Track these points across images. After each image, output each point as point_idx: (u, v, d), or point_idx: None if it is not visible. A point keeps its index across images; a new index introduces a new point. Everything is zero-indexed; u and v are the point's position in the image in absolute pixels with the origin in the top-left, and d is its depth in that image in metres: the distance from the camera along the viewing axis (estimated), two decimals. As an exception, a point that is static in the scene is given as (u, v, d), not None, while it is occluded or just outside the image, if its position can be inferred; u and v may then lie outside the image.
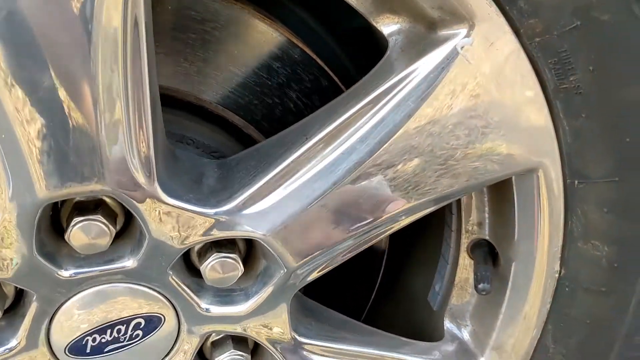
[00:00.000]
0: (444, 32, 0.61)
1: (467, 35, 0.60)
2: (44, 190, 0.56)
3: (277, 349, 0.74)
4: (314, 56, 0.75)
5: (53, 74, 0.51)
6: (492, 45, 0.60)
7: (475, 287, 0.77)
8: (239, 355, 0.74)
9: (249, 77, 0.73)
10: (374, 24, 0.65)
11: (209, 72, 0.70)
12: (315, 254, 0.67)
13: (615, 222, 0.71)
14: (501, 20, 0.59)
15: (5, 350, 0.65)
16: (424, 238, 0.90)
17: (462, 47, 0.60)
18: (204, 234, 0.63)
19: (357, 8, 0.65)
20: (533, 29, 0.60)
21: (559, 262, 0.76)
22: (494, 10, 0.59)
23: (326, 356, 0.78)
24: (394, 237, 0.92)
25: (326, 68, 0.74)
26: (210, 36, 0.70)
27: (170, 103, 0.70)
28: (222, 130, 0.74)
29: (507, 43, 0.60)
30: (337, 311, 0.85)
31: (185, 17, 0.68)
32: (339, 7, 0.67)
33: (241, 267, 0.67)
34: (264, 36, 0.73)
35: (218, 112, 0.73)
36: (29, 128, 0.52)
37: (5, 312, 0.65)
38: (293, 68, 0.73)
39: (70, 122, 0.53)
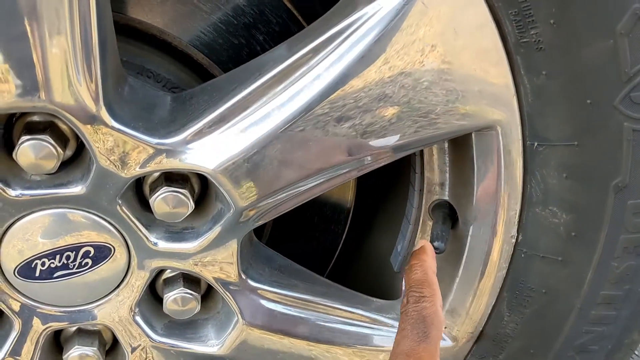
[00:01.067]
0: (402, -27, 0.60)
1: (424, -21, 0.59)
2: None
3: (225, 290, 0.75)
4: (284, -2, 0.74)
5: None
6: (449, -10, 0.59)
7: (431, 244, 0.76)
8: (188, 293, 0.75)
9: (215, 14, 0.73)
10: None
11: (173, 6, 0.70)
12: (265, 194, 0.67)
13: (574, 189, 0.70)
14: (460, -37, 0.58)
15: (-49, 265, 0.66)
16: (389, 197, 0.90)
17: (418, -10, 0.59)
18: (148, 164, 0.63)
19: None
20: (493, -26, 0.58)
21: (516, 227, 0.74)
22: (453, -48, 0.58)
23: (277, 302, 0.78)
24: (360, 194, 0.92)
25: (295, 12, 0.74)
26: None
27: (133, 35, 0.70)
28: (186, 68, 0.74)
29: (465, -11, 0.59)
30: (300, 265, 0.85)
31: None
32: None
33: (191, 204, 0.67)
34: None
35: (182, 48, 0.73)
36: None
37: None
38: (261, 9, 0.73)
39: (12, 30, 0.53)
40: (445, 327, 0.83)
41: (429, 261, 0.71)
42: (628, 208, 0.70)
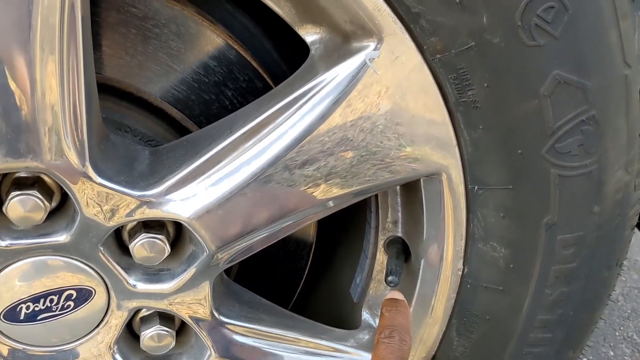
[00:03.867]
0: (356, 44, 0.68)
1: (376, 49, 0.67)
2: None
3: (199, 327, 0.81)
4: (250, 58, 0.82)
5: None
6: (397, 58, 0.68)
7: (385, 279, 0.84)
8: (164, 330, 0.80)
9: (187, 73, 0.80)
10: (299, 32, 0.72)
11: (149, 66, 0.77)
12: (236, 239, 0.74)
13: (511, 226, 0.79)
14: (406, 36, 0.67)
15: (-59, 311, 0.71)
16: (348, 233, 0.97)
17: (370, 59, 0.67)
18: (131, 214, 0.70)
19: (284, 17, 0.72)
20: (434, 46, 0.67)
21: (462, 260, 0.83)
22: (399, 27, 0.66)
23: (247, 336, 0.84)
24: (321, 231, 0.99)
25: (260, 70, 0.81)
26: (151, 33, 0.76)
27: (112, 93, 0.77)
28: (161, 122, 0.81)
29: (411, 57, 0.68)
30: (266, 297, 0.91)
31: (127, 14, 0.74)
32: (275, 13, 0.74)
33: (167, 248, 0.74)
34: (203, 36, 0.80)
35: (157, 104, 0.79)
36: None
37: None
38: (229, 68, 0.80)
39: (8, 101, 0.59)
40: (401, 353, 0.90)
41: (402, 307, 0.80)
42: (558, 242, 0.79)
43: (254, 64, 0.81)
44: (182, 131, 0.82)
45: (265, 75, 0.82)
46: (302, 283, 1.01)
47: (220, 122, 0.73)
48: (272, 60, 0.84)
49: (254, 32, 0.83)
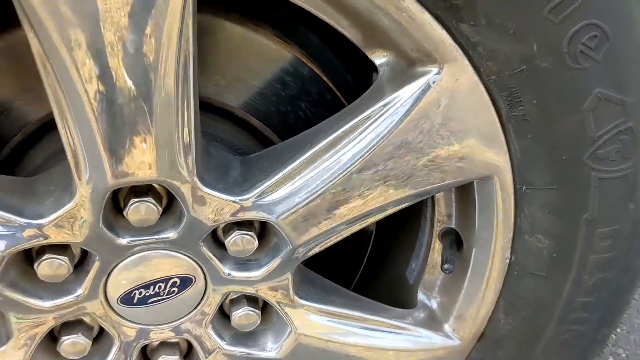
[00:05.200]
0: (420, 69, 0.78)
1: (438, 73, 0.77)
2: (113, 178, 0.75)
3: (282, 308, 0.94)
4: (321, 73, 0.93)
5: (134, 93, 0.69)
6: (457, 80, 0.78)
7: (441, 267, 0.96)
8: (251, 310, 0.94)
9: (267, 88, 0.91)
10: (368, 55, 0.83)
11: (235, 85, 0.89)
12: (315, 235, 0.86)
13: (554, 221, 0.90)
14: (465, 62, 0.77)
15: (73, 297, 0.85)
16: (404, 224, 1.09)
17: (433, 82, 0.78)
18: (229, 216, 0.82)
19: (354, 42, 0.83)
20: (490, 69, 0.77)
21: (510, 250, 0.94)
22: (459, 54, 0.76)
23: (320, 315, 0.97)
24: (379, 223, 1.11)
25: (330, 84, 0.93)
26: (237, 56, 0.88)
27: (206, 109, 0.89)
28: (245, 132, 0.93)
29: (469, 79, 0.78)
30: (332, 281, 1.04)
31: (216, 42, 0.86)
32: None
33: (256, 242, 0.86)
34: (280, 55, 0.91)
35: (242, 116, 0.91)
36: (109, 137, 0.71)
37: (75, 267, 0.84)
38: (303, 82, 0.92)
39: (137, 131, 0.71)
40: (454, 330, 1.03)
41: None
42: (596, 235, 0.90)
43: (325, 78, 0.92)
44: (263, 139, 0.94)
45: (334, 88, 0.93)
46: (362, 267, 1.13)
47: (301, 137, 0.85)
48: (340, 74, 0.95)
49: (325, 50, 0.94)
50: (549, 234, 0.91)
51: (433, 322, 1.03)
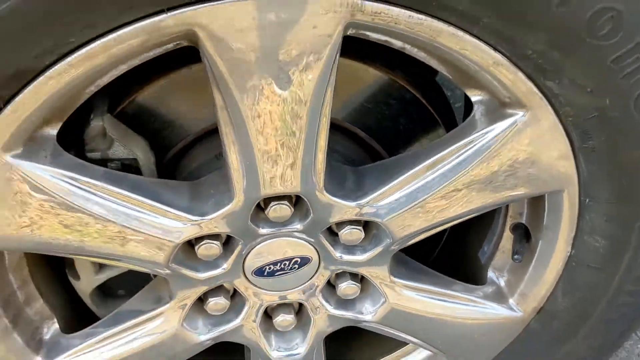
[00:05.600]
0: (509, 111, 0.96)
1: (524, 115, 0.95)
2: (264, 190, 0.97)
3: (379, 284, 1.16)
4: (420, 97, 1.11)
5: (289, 131, 0.90)
6: (539, 121, 0.95)
7: (512, 257, 1.17)
8: (353, 283, 1.17)
9: (374, 108, 1.10)
10: (465, 92, 1.01)
11: (349, 106, 1.08)
12: (411, 232, 1.07)
13: (611, 227, 1.08)
14: (548, 107, 0.94)
15: (221, 269, 1.09)
16: (481, 215, 1.29)
17: (521, 121, 0.96)
18: (345, 216, 1.04)
19: (453, 80, 1.00)
20: (568, 112, 0.94)
21: (571, 246, 1.13)
22: (544, 102, 0.93)
23: (409, 290, 1.19)
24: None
25: (429, 106, 1.11)
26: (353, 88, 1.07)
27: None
28: (355, 144, 1.13)
29: (549, 120, 0.95)
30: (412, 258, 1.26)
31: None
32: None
33: (363, 234, 1.08)
34: (386, 83, 1.10)
35: (353, 130, 1.11)
36: (265, 164, 0.92)
37: (223, 246, 1.08)
38: (404, 105, 1.10)
39: (287, 158, 0.93)
40: (517, 304, 1.24)
41: None
42: (646, 240, 1.08)
43: (423, 101, 1.11)
44: (369, 150, 1.14)
45: (432, 111, 1.11)
46: (440, 246, 1.35)
47: (405, 156, 1.04)
48: (437, 98, 1.12)
49: (425, 78, 1.11)
50: (605, 236, 1.10)
51: (500, 297, 1.25)
